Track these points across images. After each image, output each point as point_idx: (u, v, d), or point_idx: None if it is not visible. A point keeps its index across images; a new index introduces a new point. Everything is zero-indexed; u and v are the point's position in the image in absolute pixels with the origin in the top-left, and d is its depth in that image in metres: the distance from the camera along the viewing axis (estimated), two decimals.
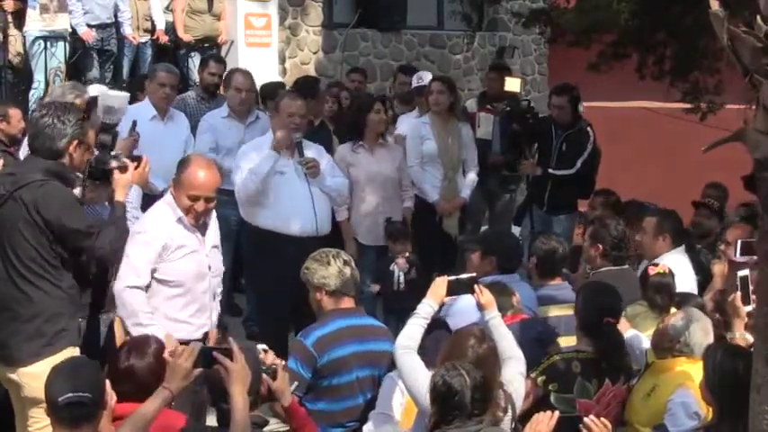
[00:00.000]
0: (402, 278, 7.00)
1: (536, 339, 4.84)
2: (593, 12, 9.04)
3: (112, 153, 4.68)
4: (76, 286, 4.49)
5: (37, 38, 9.37)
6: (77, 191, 4.65)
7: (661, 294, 5.27)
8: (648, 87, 10.25)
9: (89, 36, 9.57)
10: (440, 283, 4.51)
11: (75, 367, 3.55)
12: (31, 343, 4.41)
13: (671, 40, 9.23)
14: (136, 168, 4.72)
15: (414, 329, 4.38)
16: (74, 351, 4.45)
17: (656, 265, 5.47)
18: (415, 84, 8.76)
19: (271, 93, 8.63)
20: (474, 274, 4.79)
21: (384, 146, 7.40)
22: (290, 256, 5.88)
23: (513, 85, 8.66)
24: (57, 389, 3.42)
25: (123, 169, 4.65)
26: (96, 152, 4.74)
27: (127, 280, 4.88)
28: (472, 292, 4.55)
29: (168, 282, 4.94)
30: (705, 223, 7.31)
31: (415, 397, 4.21)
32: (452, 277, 4.55)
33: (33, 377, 4.36)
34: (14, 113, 7.44)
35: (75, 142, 4.49)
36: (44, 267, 4.40)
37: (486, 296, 4.53)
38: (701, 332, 4.54)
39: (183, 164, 5.06)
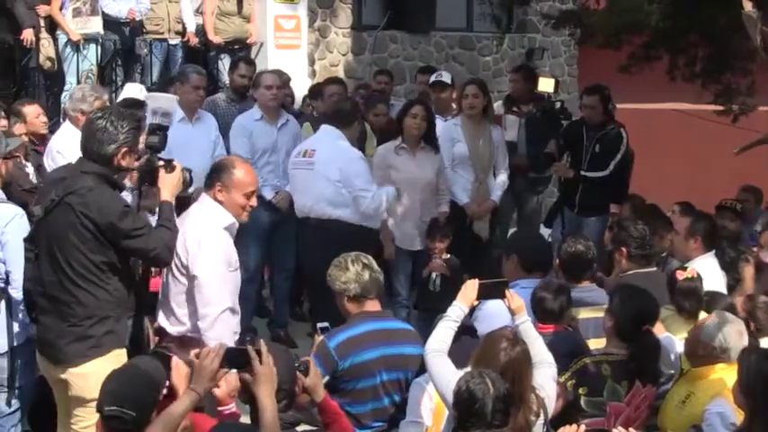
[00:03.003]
0: (438, 279, 7.00)
1: (568, 354, 4.77)
2: (624, 13, 9.00)
3: (159, 155, 4.70)
4: (122, 288, 4.51)
5: (69, 41, 9.46)
6: (128, 197, 4.66)
7: (689, 299, 5.21)
8: (679, 89, 10.20)
9: (133, 13, 9.65)
10: (470, 287, 4.50)
11: (133, 379, 3.57)
12: (79, 344, 4.45)
13: (703, 41, 9.18)
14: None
15: (444, 332, 4.37)
16: (120, 352, 4.50)
17: (685, 268, 5.41)
18: (433, 79, 8.69)
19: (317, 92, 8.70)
20: (506, 279, 4.77)
21: (425, 149, 7.36)
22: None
23: (546, 85, 8.64)
24: (106, 395, 3.48)
25: (170, 169, 4.68)
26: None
27: (222, 303, 4.73)
28: (503, 296, 4.52)
29: None
30: (729, 226, 7.22)
31: (446, 400, 4.19)
32: (484, 281, 4.53)
33: (81, 377, 4.43)
34: (29, 110, 7.33)
35: (125, 149, 4.50)
36: (92, 271, 4.42)
37: (517, 300, 4.51)
38: (736, 335, 4.49)
39: (227, 167, 4.92)
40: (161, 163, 4.70)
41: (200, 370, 3.53)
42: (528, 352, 4.11)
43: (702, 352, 4.52)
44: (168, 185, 4.68)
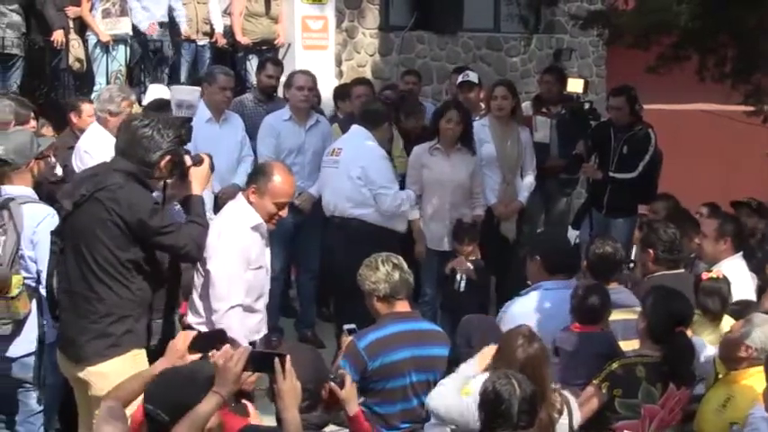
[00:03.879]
0: (463, 280, 6.99)
1: (598, 354, 4.77)
2: (653, 13, 8.94)
3: (186, 148, 4.70)
4: (146, 289, 4.52)
5: (99, 42, 9.53)
6: (157, 193, 4.68)
7: (713, 299, 5.14)
8: (707, 89, 10.12)
9: (153, 29, 9.71)
10: (488, 353, 4.38)
11: (173, 380, 3.55)
12: (98, 342, 4.45)
13: (732, 41, 9.10)
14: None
15: (449, 387, 4.30)
16: (140, 352, 4.50)
17: (710, 271, 5.35)
18: (461, 80, 8.68)
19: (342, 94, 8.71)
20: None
21: (461, 151, 7.38)
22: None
23: (576, 85, 8.62)
24: (147, 393, 3.50)
25: (199, 163, 4.69)
26: None
27: (231, 299, 4.78)
28: None
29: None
30: (748, 222, 7.13)
31: (461, 425, 4.19)
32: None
33: (100, 376, 4.43)
34: (86, 108, 7.41)
35: (168, 158, 4.52)
36: (116, 268, 4.42)
37: None
38: None
39: (265, 172, 4.95)
40: (189, 162, 4.69)
41: (225, 372, 3.51)
42: (545, 349, 4.11)
43: (743, 354, 4.44)
44: (198, 179, 4.68)
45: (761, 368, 4.35)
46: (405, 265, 4.89)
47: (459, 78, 8.64)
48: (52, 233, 4.69)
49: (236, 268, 4.80)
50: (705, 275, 5.23)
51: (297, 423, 3.46)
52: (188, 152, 4.71)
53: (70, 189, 4.63)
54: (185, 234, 4.50)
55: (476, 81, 8.52)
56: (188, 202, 4.68)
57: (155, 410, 3.45)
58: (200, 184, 4.69)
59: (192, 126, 4.89)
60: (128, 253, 4.43)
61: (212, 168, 4.83)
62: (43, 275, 4.97)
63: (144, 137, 4.48)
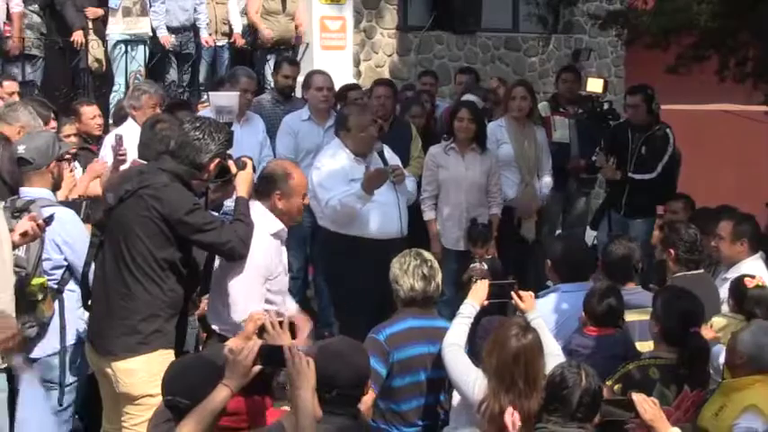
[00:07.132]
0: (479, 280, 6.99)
1: (615, 356, 4.77)
2: (673, 13, 8.90)
3: (228, 152, 4.74)
4: (178, 290, 4.55)
5: (118, 41, 9.57)
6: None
7: (760, 308, 5.06)
8: (728, 90, 10.07)
9: (167, 41, 9.75)
10: (481, 287, 4.78)
11: (188, 368, 3.58)
12: (127, 338, 4.48)
13: (753, 41, 9.05)
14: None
15: (460, 329, 4.63)
16: (168, 352, 4.51)
17: (752, 277, 5.22)
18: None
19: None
20: (514, 281, 4.91)
21: (476, 150, 7.39)
22: (376, 259, 5.88)
23: (595, 85, 8.61)
24: (166, 385, 3.52)
25: (243, 167, 4.72)
26: None
27: (249, 309, 4.66)
28: (510, 297, 4.78)
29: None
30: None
31: (462, 391, 4.42)
32: (493, 281, 4.87)
33: (127, 373, 4.47)
34: (86, 110, 7.47)
35: (217, 160, 4.59)
36: (151, 266, 4.46)
37: (526, 301, 4.74)
38: None
39: (280, 175, 4.84)
40: (234, 169, 4.70)
41: (234, 365, 3.51)
42: (540, 341, 4.23)
43: (739, 361, 4.35)
44: (242, 183, 4.72)
45: (755, 377, 4.27)
46: (438, 276, 4.86)
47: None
48: (94, 225, 4.74)
49: (254, 285, 4.73)
50: (749, 282, 5.13)
51: (310, 409, 3.45)
52: (230, 156, 4.74)
53: (116, 184, 4.68)
54: (229, 231, 4.54)
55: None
56: (235, 203, 4.72)
57: (174, 399, 3.45)
58: (245, 187, 4.73)
59: (233, 131, 4.91)
60: (164, 252, 4.47)
61: (255, 171, 4.88)
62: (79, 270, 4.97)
63: (195, 138, 4.55)
